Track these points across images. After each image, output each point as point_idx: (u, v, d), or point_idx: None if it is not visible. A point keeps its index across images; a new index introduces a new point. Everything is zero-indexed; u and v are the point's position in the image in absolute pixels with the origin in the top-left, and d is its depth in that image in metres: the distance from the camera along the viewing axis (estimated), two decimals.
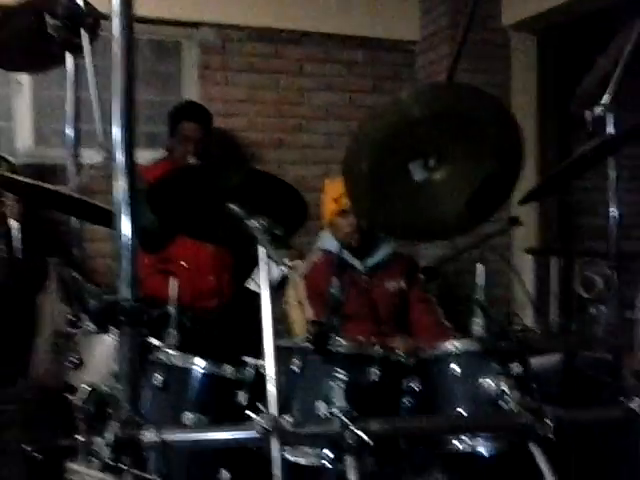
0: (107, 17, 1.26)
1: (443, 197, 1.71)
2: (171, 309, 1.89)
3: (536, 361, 1.77)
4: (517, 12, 3.66)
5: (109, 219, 1.28)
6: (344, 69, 3.89)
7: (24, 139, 3.43)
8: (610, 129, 1.81)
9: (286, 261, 1.58)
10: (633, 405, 1.48)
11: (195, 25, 3.61)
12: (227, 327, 3.03)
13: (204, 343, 1.90)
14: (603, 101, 1.75)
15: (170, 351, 1.78)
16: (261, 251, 1.53)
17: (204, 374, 1.75)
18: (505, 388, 1.54)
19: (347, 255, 2.69)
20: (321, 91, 3.85)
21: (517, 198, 1.85)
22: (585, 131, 1.83)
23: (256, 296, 1.50)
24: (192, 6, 3.52)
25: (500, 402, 1.53)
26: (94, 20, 1.96)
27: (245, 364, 1.75)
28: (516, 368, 1.64)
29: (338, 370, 1.59)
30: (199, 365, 1.76)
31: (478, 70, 3.62)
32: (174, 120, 3.20)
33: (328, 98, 3.86)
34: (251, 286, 2.88)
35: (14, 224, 2.65)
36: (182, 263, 2.96)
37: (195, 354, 1.77)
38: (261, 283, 1.49)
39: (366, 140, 1.62)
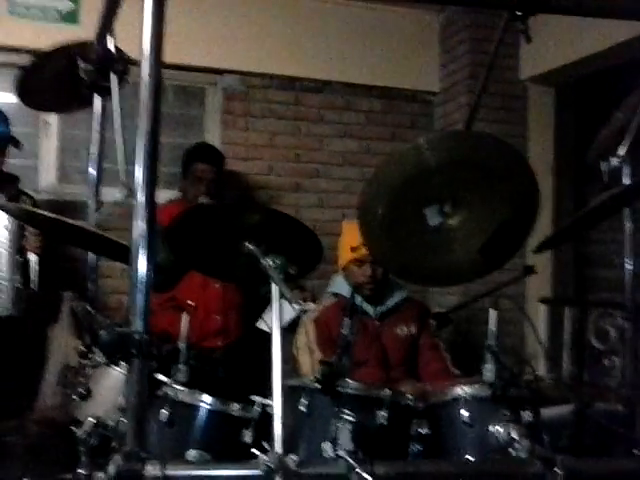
0: (136, 62, 1.30)
1: (458, 243, 1.71)
2: (181, 345, 1.90)
3: (548, 411, 1.74)
4: (535, 66, 3.71)
5: (125, 255, 1.30)
6: (363, 117, 3.95)
7: (48, 177, 3.50)
8: (626, 180, 1.82)
9: (299, 301, 1.58)
10: None
11: (219, 72, 3.72)
12: (232, 366, 3.02)
13: (208, 382, 1.89)
14: (619, 153, 1.76)
15: (177, 387, 1.77)
16: (274, 290, 1.54)
17: (210, 411, 1.74)
18: (515, 435, 1.51)
19: (359, 300, 2.68)
20: (339, 138, 3.91)
21: (532, 247, 1.85)
22: (601, 182, 1.83)
23: (265, 335, 1.50)
24: (217, 54, 3.64)
25: (510, 449, 1.51)
26: (124, 65, 2.02)
27: (252, 402, 1.73)
28: (527, 416, 1.61)
29: (346, 411, 1.58)
30: (206, 402, 1.75)
31: (496, 121, 3.66)
32: (187, 162, 3.24)
33: (346, 145, 3.92)
34: (261, 326, 2.87)
35: (32, 257, 2.69)
36: (189, 302, 2.97)
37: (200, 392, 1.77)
38: (273, 321, 1.49)
39: (383, 184, 1.63)
